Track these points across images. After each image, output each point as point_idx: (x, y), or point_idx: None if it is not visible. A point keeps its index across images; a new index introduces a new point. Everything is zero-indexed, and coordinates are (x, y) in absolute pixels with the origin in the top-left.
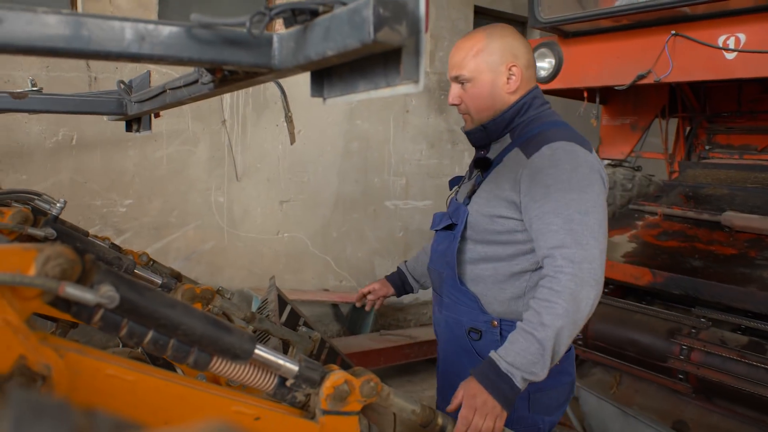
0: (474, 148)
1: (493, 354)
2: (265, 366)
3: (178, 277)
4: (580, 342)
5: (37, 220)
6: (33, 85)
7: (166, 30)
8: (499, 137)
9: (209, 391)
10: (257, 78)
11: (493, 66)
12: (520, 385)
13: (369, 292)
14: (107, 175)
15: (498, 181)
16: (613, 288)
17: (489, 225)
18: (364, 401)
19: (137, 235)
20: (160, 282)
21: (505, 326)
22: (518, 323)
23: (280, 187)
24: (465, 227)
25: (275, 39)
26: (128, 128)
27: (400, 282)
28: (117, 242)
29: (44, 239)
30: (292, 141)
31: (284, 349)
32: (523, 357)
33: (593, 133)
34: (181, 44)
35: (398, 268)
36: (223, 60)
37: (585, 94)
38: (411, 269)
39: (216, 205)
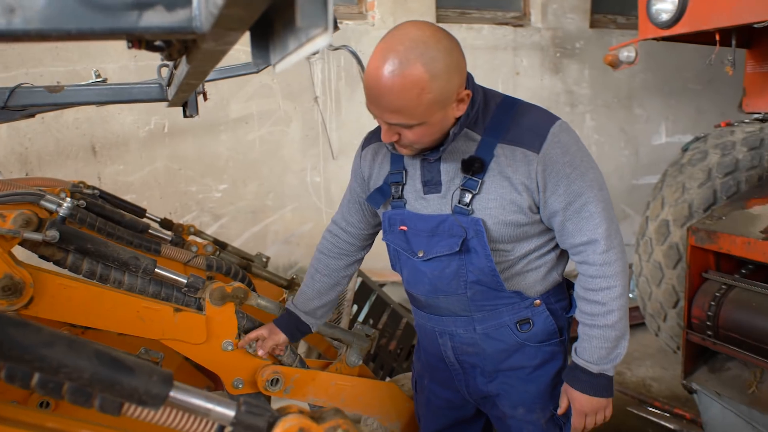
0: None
1: (578, 360)
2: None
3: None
4: (710, 333)
5: (43, 223)
6: (97, 77)
7: None
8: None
9: None
10: (204, 46)
11: (443, 103)
12: (613, 372)
13: (256, 339)
14: (201, 160)
15: (506, 184)
16: (753, 269)
17: (511, 232)
18: None
19: (234, 220)
20: (185, 282)
21: (546, 298)
22: (581, 318)
23: None
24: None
25: None
26: (184, 114)
27: (293, 326)
28: (213, 228)
29: (44, 243)
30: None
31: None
32: (606, 350)
33: (731, 83)
34: (65, 14)
35: (287, 309)
36: (125, 28)
37: (717, 37)
38: (301, 306)
39: (313, 185)
